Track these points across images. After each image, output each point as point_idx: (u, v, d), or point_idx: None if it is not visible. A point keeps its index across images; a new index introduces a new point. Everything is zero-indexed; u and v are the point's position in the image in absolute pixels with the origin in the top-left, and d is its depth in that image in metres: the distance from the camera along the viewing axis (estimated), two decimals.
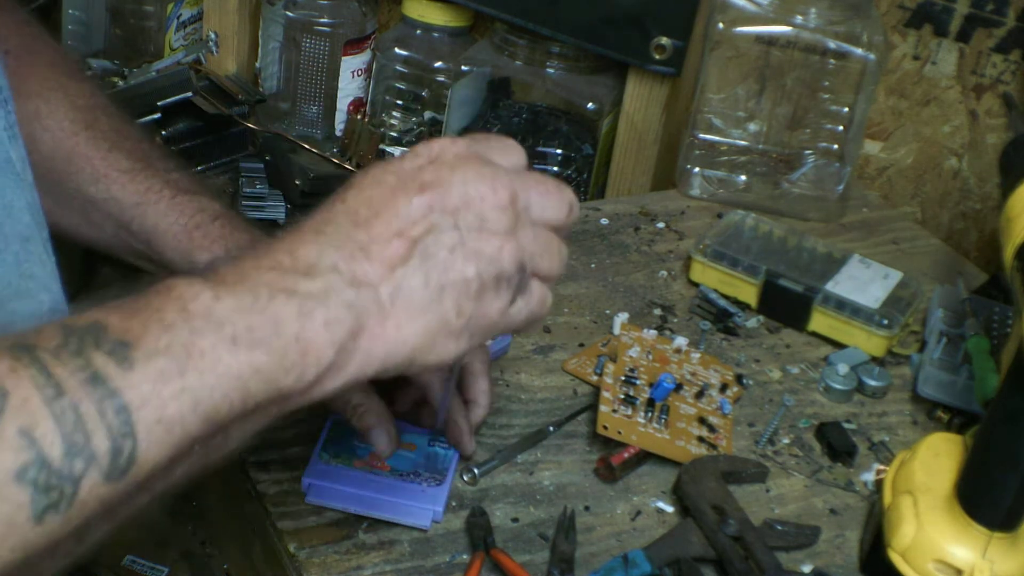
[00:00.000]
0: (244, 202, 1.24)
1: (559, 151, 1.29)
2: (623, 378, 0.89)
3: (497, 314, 0.61)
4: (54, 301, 0.69)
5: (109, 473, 0.46)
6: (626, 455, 0.83)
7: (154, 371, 0.48)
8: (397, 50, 1.37)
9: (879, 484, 0.84)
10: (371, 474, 0.79)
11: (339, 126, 1.42)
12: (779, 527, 0.80)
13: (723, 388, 0.92)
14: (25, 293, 0.67)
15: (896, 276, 1.05)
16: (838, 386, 0.95)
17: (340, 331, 0.54)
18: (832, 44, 1.17)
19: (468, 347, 0.60)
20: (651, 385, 0.88)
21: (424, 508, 0.77)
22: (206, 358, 0.50)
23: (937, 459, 0.78)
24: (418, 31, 1.37)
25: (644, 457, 0.85)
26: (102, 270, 1.25)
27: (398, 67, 1.38)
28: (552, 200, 0.63)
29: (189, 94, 1.31)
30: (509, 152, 0.63)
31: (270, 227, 1.24)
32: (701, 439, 0.86)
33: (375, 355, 0.56)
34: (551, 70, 1.31)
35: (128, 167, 0.80)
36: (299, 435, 0.83)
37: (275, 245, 0.56)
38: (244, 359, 0.51)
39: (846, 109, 1.22)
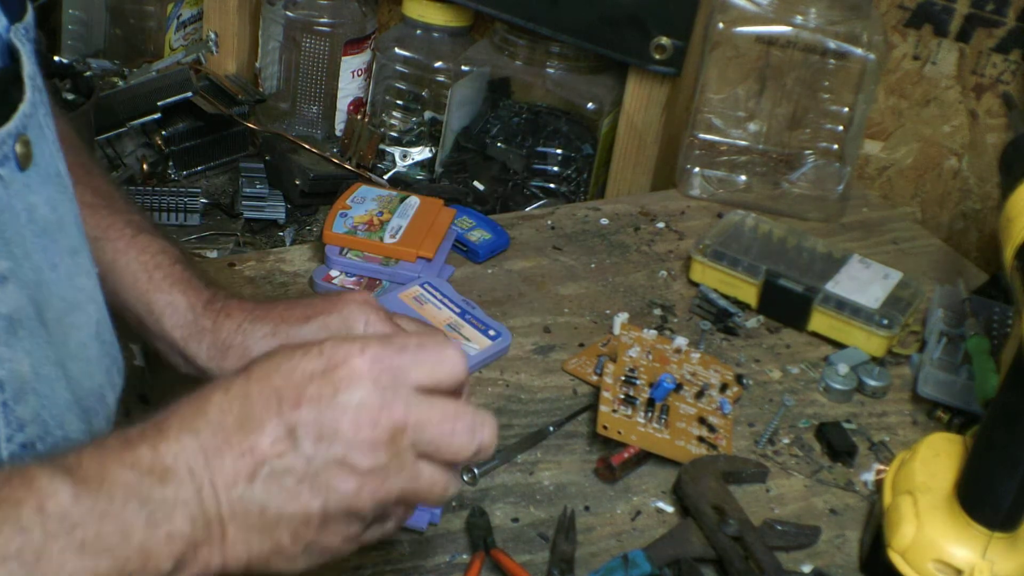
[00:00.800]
0: (244, 202, 1.24)
1: (559, 151, 1.29)
2: (623, 378, 0.89)
3: (342, 541, 0.59)
4: (99, 313, 0.69)
5: None
6: (626, 455, 0.83)
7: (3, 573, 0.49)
8: (397, 50, 1.37)
9: (879, 484, 0.84)
10: None
11: (339, 126, 1.42)
12: (779, 527, 0.80)
13: (723, 388, 0.92)
14: (77, 305, 0.67)
15: (896, 276, 1.05)
16: (838, 386, 0.95)
17: (180, 544, 0.54)
18: (832, 44, 1.17)
19: (309, 565, 0.58)
20: (651, 385, 0.88)
21: (421, 510, 0.77)
22: (53, 563, 0.50)
23: (937, 459, 0.78)
24: (418, 31, 1.37)
25: (644, 457, 0.85)
26: None
27: (398, 67, 1.38)
28: (455, 440, 0.59)
29: (189, 94, 1.31)
30: (438, 368, 0.60)
31: (266, 228, 1.24)
32: (701, 439, 0.86)
33: (212, 566, 0.56)
34: (551, 70, 1.31)
35: (91, 201, 0.79)
36: None
37: (142, 435, 0.56)
38: (89, 565, 0.51)
39: (846, 109, 1.22)
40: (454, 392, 0.61)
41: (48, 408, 0.62)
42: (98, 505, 0.52)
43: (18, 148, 0.59)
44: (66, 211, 0.64)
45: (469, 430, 0.59)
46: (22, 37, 0.60)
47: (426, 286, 0.98)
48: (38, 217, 0.61)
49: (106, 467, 0.54)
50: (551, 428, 0.87)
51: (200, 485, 0.55)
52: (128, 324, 0.81)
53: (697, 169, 1.23)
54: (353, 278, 1.00)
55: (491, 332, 0.95)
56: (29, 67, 0.60)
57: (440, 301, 0.97)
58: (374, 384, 0.57)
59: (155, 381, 1.03)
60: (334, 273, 1.00)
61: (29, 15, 0.62)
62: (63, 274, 0.64)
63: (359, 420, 0.56)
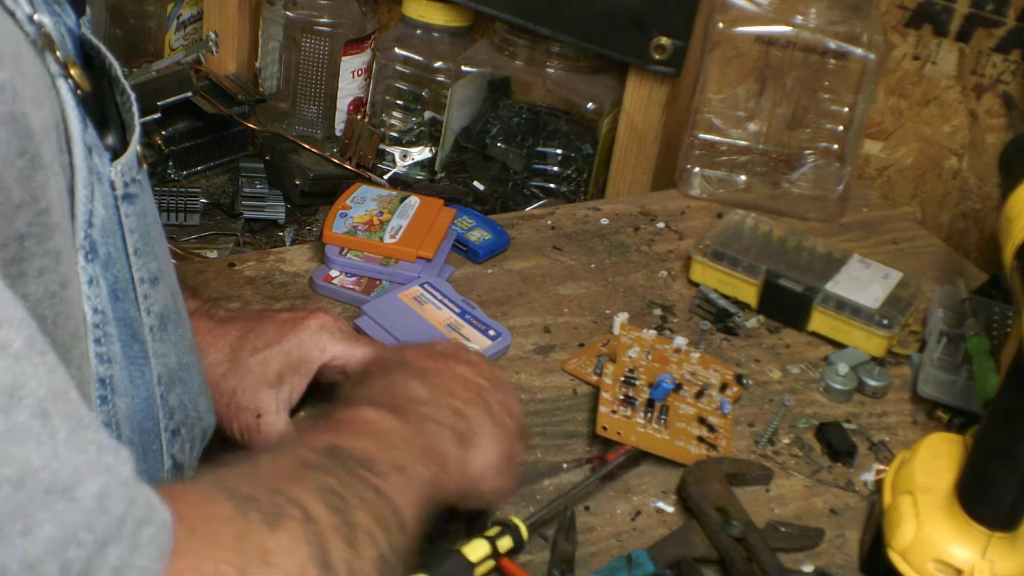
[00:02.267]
0: (244, 202, 1.24)
1: (559, 151, 1.29)
2: (622, 378, 0.89)
3: (518, 462, 0.74)
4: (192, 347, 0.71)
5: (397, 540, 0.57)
6: (622, 453, 0.83)
7: (397, 481, 0.59)
8: (397, 50, 1.37)
9: (879, 484, 0.84)
10: None
11: (339, 126, 1.42)
12: (783, 528, 0.80)
13: (723, 388, 0.92)
14: (181, 295, 0.68)
15: (896, 276, 1.05)
16: (838, 386, 0.95)
17: (457, 449, 0.68)
18: (832, 44, 1.17)
19: (500, 487, 0.72)
20: (650, 385, 0.88)
21: None
22: (414, 471, 0.62)
23: (937, 459, 0.78)
24: (418, 31, 1.36)
25: (641, 454, 0.85)
26: None
27: (398, 67, 1.38)
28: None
29: (189, 94, 1.31)
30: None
31: (266, 228, 1.24)
32: (701, 439, 0.86)
33: (470, 472, 0.69)
34: (551, 70, 1.31)
35: None
36: None
37: (393, 381, 0.71)
38: (426, 472, 0.63)
39: (846, 109, 1.22)
40: None
41: (187, 393, 0.67)
42: (413, 425, 0.65)
43: (139, 150, 0.61)
44: (153, 197, 0.66)
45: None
46: (90, 31, 0.61)
47: (426, 286, 0.98)
48: (154, 213, 0.64)
49: (394, 402, 0.67)
50: (564, 465, 0.85)
51: (450, 407, 0.69)
52: None
53: (697, 169, 1.23)
54: (353, 278, 1.00)
55: (491, 332, 0.95)
56: (116, 64, 0.61)
57: (440, 301, 0.97)
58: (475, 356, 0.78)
59: None
60: (334, 273, 1.00)
61: (89, 10, 0.62)
62: (169, 260, 0.66)
63: (498, 373, 0.77)
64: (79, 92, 0.53)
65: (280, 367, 0.80)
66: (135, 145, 0.59)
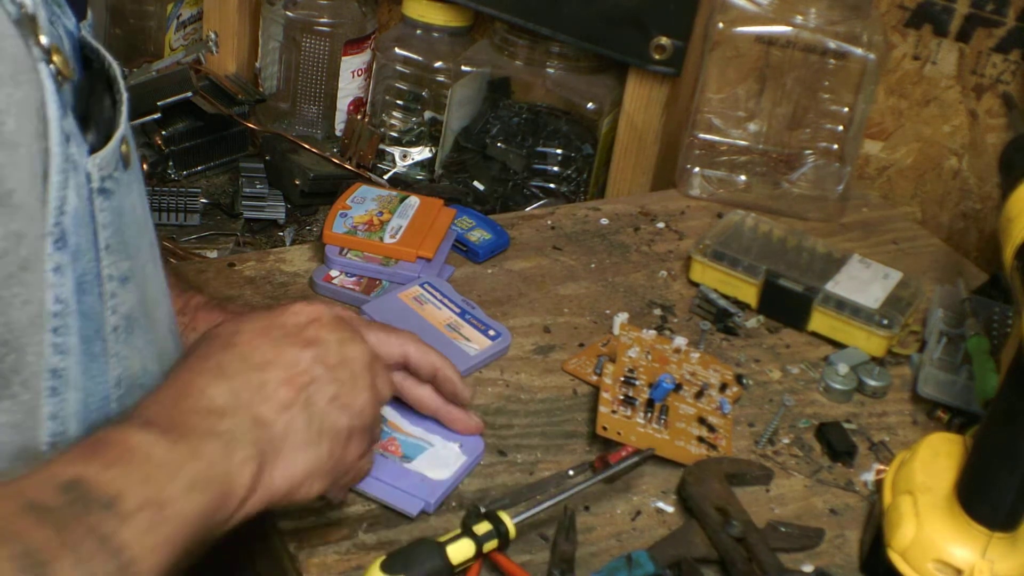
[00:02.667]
0: (244, 202, 1.24)
1: (559, 151, 1.29)
2: (622, 379, 0.89)
3: (353, 460, 0.69)
4: (170, 305, 0.71)
5: None
6: (623, 454, 0.83)
7: (143, 523, 0.54)
8: (397, 50, 1.37)
9: (879, 484, 0.84)
10: (381, 456, 0.80)
11: (339, 126, 1.42)
12: (783, 529, 0.80)
13: (722, 388, 0.92)
14: (160, 300, 0.69)
15: (896, 276, 1.05)
16: (838, 386, 0.95)
17: (252, 466, 0.62)
18: (832, 44, 1.17)
19: (323, 490, 0.67)
20: (650, 385, 0.88)
21: (416, 498, 0.78)
22: (177, 505, 0.56)
23: (937, 459, 0.78)
24: (418, 31, 1.37)
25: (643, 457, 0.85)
26: None
27: (398, 67, 1.38)
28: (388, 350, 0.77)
29: (189, 94, 1.31)
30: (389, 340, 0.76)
31: (266, 228, 1.24)
32: (701, 439, 0.86)
33: (275, 487, 0.63)
34: (551, 70, 1.31)
35: None
36: None
37: (189, 385, 0.63)
38: (203, 499, 0.58)
39: (846, 109, 1.22)
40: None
41: None
42: (188, 447, 0.59)
43: (123, 149, 0.60)
44: (147, 207, 0.66)
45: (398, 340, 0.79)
46: (90, 35, 0.61)
47: (426, 286, 0.98)
48: (137, 216, 0.63)
49: (175, 416, 0.60)
50: (570, 472, 0.84)
51: (254, 417, 0.63)
52: None
53: (697, 169, 1.23)
54: (353, 278, 1.00)
55: (491, 332, 0.95)
56: (115, 65, 0.61)
57: (440, 301, 0.97)
58: (350, 326, 0.70)
59: None
60: (334, 273, 1.00)
61: (90, 14, 0.62)
62: (151, 270, 0.66)
63: (354, 350, 0.69)
64: (60, 78, 0.53)
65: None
66: (117, 142, 0.59)
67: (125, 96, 0.61)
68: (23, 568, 0.49)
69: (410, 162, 1.36)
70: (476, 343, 0.94)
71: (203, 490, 0.58)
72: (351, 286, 0.99)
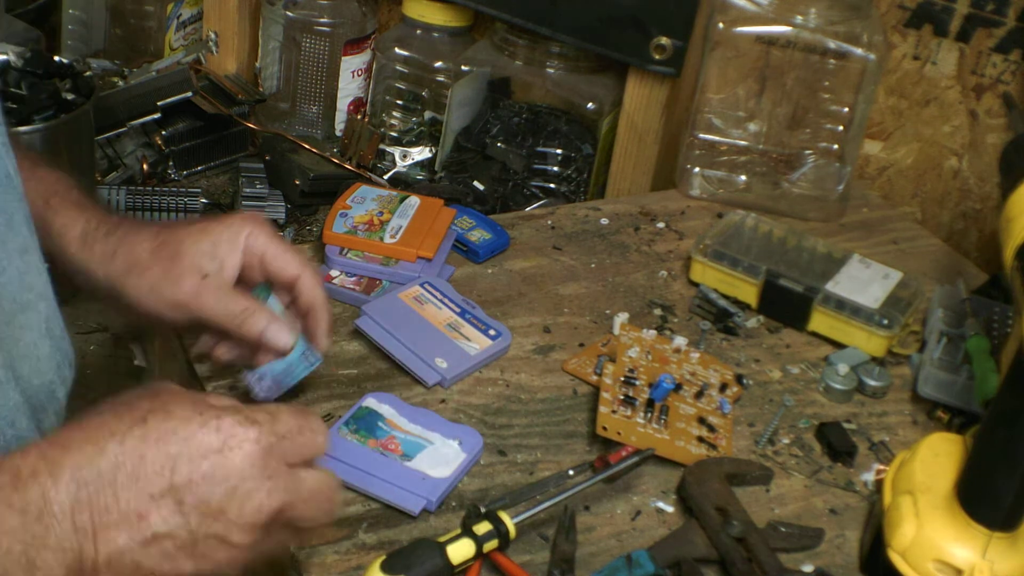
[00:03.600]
0: (244, 202, 1.24)
1: (559, 151, 1.29)
2: (622, 379, 0.89)
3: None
4: (50, 310, 0.70)
5: None
6: (623, 453, 0.83)
7: None
8: (397, 50, 1.37)
9: (879, 484, 0.84)
10: (381, 455, 0.81)
11: (339, 126, 1.42)
12: (783, 529, 0.80)
13: (722, 388, 0.92)
14: (28, 305, 0.67)
15: (896, 276, 1.05)
16: (838, 386, 0.95)
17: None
18: (832, 44, 1.17)
19: None
20: (650, 385, 0.88)
21: (417, 496, 0.78)
22: None
23: (937, 459, 0.78)
24: (418, 31, 1.37)
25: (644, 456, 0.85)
26: None
27: (398, 67, 1.38)
28: (318, 514, 0.65)
29: (189, 94, 1.31)
30: (310, 450, 0.65)
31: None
32: (701, 439, 0.86)
33: None
34: (551, 70, 1.31)
35: None
36: None
37: (33, 476, 0.57)
38: None
39: (846, 109, 1.22)
40: None
41: None
42: None
43: None
44: (15, 211, 0.65)
45: (328, 502, 0.65)
46: None
47: (426, 286, 0.98)
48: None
49: None
50: (570, 472, 0.84)
51: (83, 534, 0.57)
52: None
53: (697, 169, 1.23)
54: (353, 278, 1.00)
55: (491, 332, 0.95)
56: None
57: (440, 301, 0.97)
58: (262, 473, 0.61)
59: (155, 381, 1.02)
60: (334, 273, 1.00)
61: None
62: (13, 275, 0.65)
63: (244, 506, 0.60)
64: None
65: (210, 247, 0.80)
66: None
67: None
68: None
69: (410, 162, 1.36)
70: (476, 343, 0.94)
71: None
72: (351, 286, 0.99)
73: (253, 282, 0.82)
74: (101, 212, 0.82)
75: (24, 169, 0.81)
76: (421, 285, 0.98)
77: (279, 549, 0.66)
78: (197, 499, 0.59)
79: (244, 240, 0.81)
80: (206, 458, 0.59)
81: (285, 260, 0.81)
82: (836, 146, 1.24)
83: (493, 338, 0.94)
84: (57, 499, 0.57)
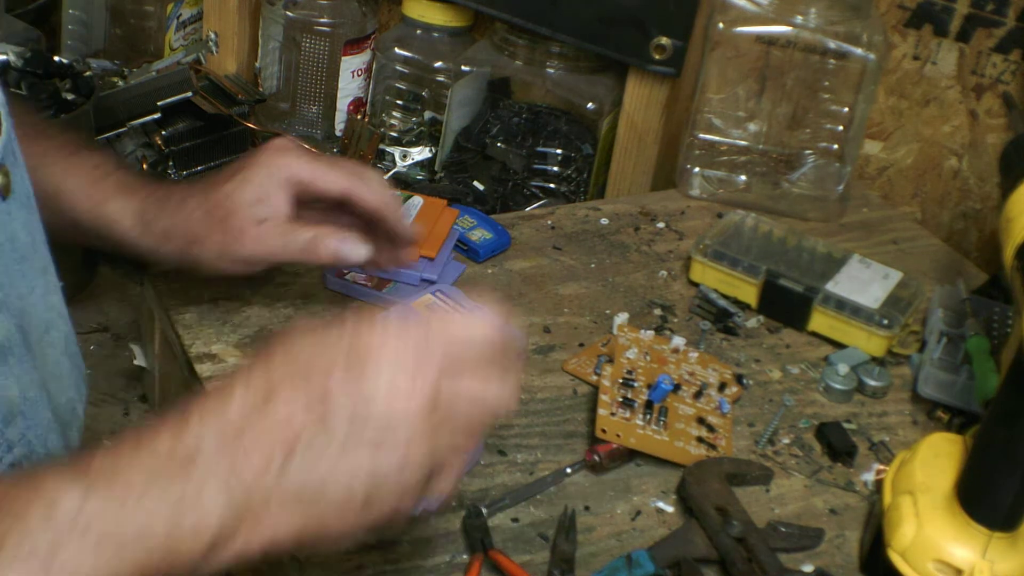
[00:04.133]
0: None
1: (559, 151, 1.29)
2: (621, 380, 0.89)
3: (395, 506, 0.57)
4: (67, 327, 0.70)
5: None
6: (614, 446, 0.83)
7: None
8: (397, 50, 1.37)
9: (879, 484, 0.84)
10: None
11: (339, 126, 1.42)
12: (783, 529, 0.80)
13: (721, 387, 0.92)
14: (51, 324, 0.67)
15: (896, 276, 1.05)
16: (838, 386, 0.95)
17: (208, 533, 0.52)
18: (832, 44, 1.17)
19: (366, 534, 0.57)
20: (649, 387, 0.88)
21: None
22: (68, 565, 0.49)
23: (937, 459, 0.78)
24: (418, 31, 1.37)
25: (630, 452, 0.85)
26: (101, 271, 1.25)
27: (398, 67, 1.38)
28: (486, 402, 0.60)
29: (189, 94, 1.31)
30: (465, 334, 0.60)
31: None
32: (700, 439, 0.86)
33: (253, 545, 0.54)
34: (551, 70, 1.31)
35: (25, 133, 0.81)
36: None
37: (162, 425, 0.54)
38: (112, 563, 0.50)
39: (846, 109, 1.22)
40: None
41: (33, 429, 0.63)
42: (111, 503, 0.51)
43: (4, 180, 0.59)
44: (36, 231, 0.65)
45: (497, 393, 0.60)
46: None
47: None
48: (18, 244, 0.62)
49: (120, 464, 0.52)
50: (568, 470, 0.84)
51: (229, 471, 0.53)
52: (84, 238, 0.85)
53: (697, 169, 1.23)
54: (364, 274, 1.00)
55: None
56: (1, 94, 0.60)
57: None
58: (400, 366, 0.56)
59: (155, 381, 1.03)
60: (346, 269, 1.00)
61: None
62: (39, 296, 0.65)
63: (390, 401, 0.55)
64: None
65: (255, 194, 0.81)
66: None
67: (4, 127, 0.60)
68: None
69: (410, 162, 1.36)
70: None
71: (119, 551, 0.50)
72: (363, 282, 0.99)
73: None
74: (147, 188, 0.84)
75: (63, 158, 0.82)
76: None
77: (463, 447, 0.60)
78: (340, 409, 0.54)
79: (283, 175, 0.81)
80: (335, 367, 0.55)
81: (326, 180, 0.82)
82: (836, 146, 1.24)
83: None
84: (191, 438, 0.53)
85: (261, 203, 0.81)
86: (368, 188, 0.83)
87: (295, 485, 0.54)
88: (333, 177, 0.82)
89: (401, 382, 0.56)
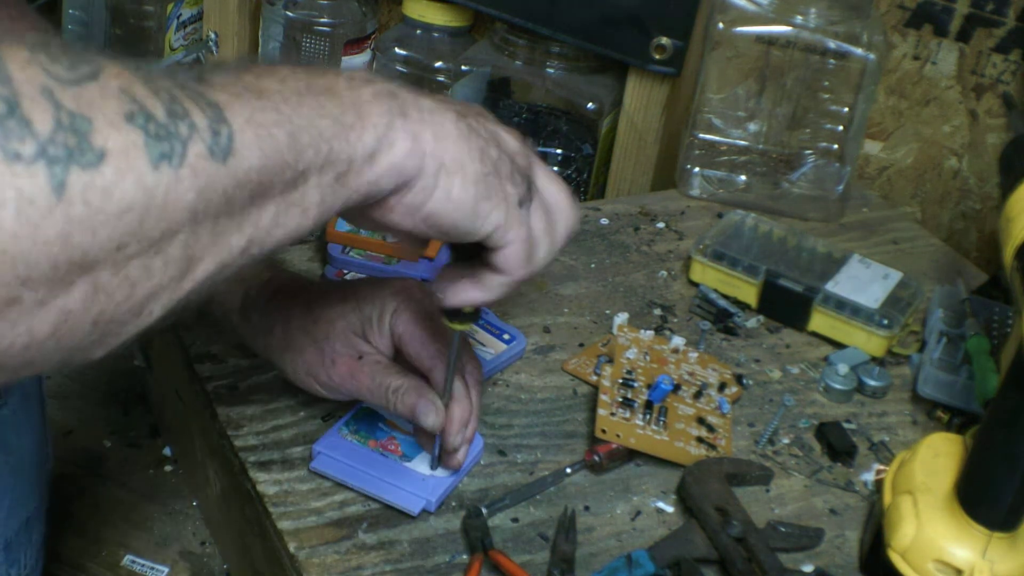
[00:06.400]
0: None
1: (559, 151, 1.29)
2: (621, 380, 0.89)
3: (516, 198, 0.63)
4: None
5: (212, 148, 0.46)
6: (613, 446, 0.83)
7: (236, 94, 0.49)
8: (397, 50, 1.37)
9: (879, 484, 0.84)
10: (381, 455, 0.81)
11: None
12: (783, 529, 0.80)
13: (721, 387, 0.92)
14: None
15: (896, 276, 1.05)
16: (838, 386, 0.95)
17: (372, 134, 0.56)
18: (832, 44, 1.17)
19: (501, 222, 0.62)
20: (649, 387, 0.88)
21: (417, 495, 0.78)
22: (277, 96, 0.51)
23: (937, 459, 0.78)
24: (418, 31, 1.37)
25: (629, 452, 0.85)
26: None
27: (398, 67, 1.38)
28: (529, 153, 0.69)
29: None
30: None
31: None
32: (700, 439, 0.86)
33: (416, 151, 0.58)
34: (551, 70, 1.31)
35: None
36: (299, 435, 0.83)
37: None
38: (313, 102, 0.53)
39: (846, 109, 1.22)
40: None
41: None
42: (297, 73, 0.54)
43: None
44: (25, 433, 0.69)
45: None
46: None
47: None
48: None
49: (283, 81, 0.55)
50: (568, 470, 0.84)
51: (396, 91, 0.59)
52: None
53: (697, 169, 1.23)
54: (362, 275, 1.00)
55: (505, 336, 0.95)
56: None
57: None
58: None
59: (155, 381, 1.03)
60: (345, 269, 1.00)
61: None
62: (15, 429, 0.69)
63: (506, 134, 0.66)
64: None
65: (360, 325, 0.79)
66: None
67: None
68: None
69: None
70: (491, 348, 0.93)
71: (318, 95, 0.54)
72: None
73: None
74: (255, 275, 0.82)
75: None
76: None
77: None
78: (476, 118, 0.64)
79: (389, 320, 0.79)
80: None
81: (417, 351, 0.78)
82: (836, 146, 1.24)
83: (507, 342, 0.94)
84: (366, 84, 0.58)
85: (363, 339, 0.79)
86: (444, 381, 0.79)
87: (449, 121, 0.61)
88: (421, 352, 0.78)
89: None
